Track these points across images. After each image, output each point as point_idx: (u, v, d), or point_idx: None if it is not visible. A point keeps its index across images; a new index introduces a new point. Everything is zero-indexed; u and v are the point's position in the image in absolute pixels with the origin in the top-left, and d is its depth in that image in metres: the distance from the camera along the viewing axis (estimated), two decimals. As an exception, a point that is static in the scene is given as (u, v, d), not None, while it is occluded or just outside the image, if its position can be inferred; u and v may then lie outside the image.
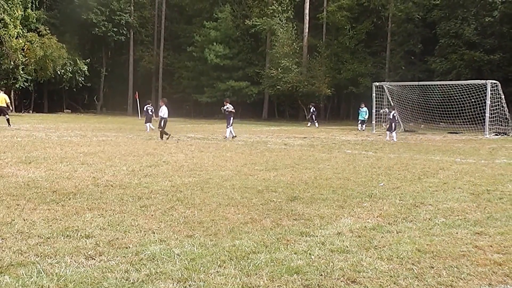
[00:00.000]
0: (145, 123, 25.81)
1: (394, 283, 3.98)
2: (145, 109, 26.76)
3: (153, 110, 26.37)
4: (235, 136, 20.45)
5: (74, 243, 4.78)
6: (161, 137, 18.83)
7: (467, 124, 28.70)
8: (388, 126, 23.02)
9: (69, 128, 25.01)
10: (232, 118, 20.68)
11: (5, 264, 4.15)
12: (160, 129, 19.07)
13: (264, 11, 49.45)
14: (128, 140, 18.46)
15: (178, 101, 59.54)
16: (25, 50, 45.64)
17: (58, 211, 6.09)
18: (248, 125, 35.73)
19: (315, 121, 36.68)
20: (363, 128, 31.01)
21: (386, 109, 33.85)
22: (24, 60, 45.49)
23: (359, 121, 32.00)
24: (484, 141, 22.33)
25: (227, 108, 20.84)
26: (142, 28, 62.17)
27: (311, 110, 37.53)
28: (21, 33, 44.89)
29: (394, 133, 22.48)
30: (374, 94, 31.03)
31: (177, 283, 3.87)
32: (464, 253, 4.79)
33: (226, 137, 20.23)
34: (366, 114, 31.69)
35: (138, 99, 45.91)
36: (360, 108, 32.12)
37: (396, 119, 22.75)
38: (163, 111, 19.31)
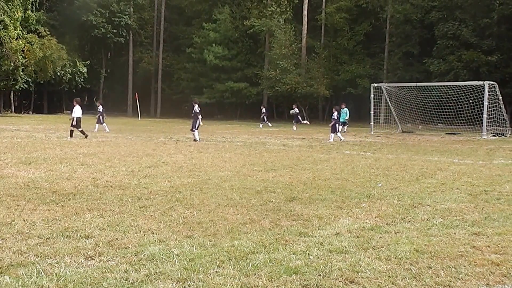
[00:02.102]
0: (97, 123, 25.17)
1: (392, 283, 3.99)
2: (99, 109, 25.99)
3: (103, 109, 26.08)
4: (196, 140, 19.12)
5: (74, 244, 4.79)
6: (71, 135, 19.02)
7: (464, 125, 28.75)
8: (331, 126, 21.92)
9: (68, 129, 24.96)
10: (198, 121, 19.67)
11: (5, 265, 4.15)
12: (72, 128, 19.15)
13: (263, 13, 49.53)
14: (128, 141, 18.48)
15: (177, 102, 59.66)
16: (25, 52, 45.69)
17: (57, 212, 6.10)
18: (247, 126, 35.75)
19: (267, 122, 35.15)
20: (345, 130, 29.28)
21: (297, 109, 33.63)
22: (24, 61, 45.53)
23: (341, 123, 29.56)
24: (481, 142, 22.35)
25: (195, 109, 19.95)
26: (142, 29, 62.33)
27: (263, 111, 35.90)
28: (21, 34, 44.92)
29: (333, 134, 21.53)
30: (372, 95, 31.04)
31: (176, 283, 3.87)
32: (462, 253, 4.80)
33: (196, 140, 19.15)
34: (347, 115, 30.11)
35: (138, 100, 45.96)
36: (341, 109, 29.96)
37: (336, 118, 21.78)
38: (76, 111, 19.24)
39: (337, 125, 21.85)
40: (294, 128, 32.01)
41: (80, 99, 20.96)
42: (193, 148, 15.81)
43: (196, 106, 20.16)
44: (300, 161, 12.79)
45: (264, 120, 35.53)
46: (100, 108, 25.83)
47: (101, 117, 25.36)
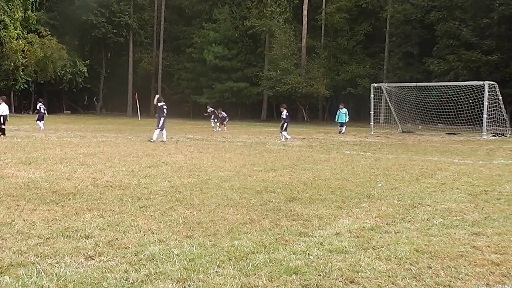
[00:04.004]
0: (37, 120, 24.60)
1: (392, 283, 3.99)
2: (37, 107, 25.33)
3: (45, 108, 25.74)
4: (163, 141, 18.09)
5: (74, 244, 4.79)
6: (3, 134, 18.73)
7: (464, 125, 28.73)
8: (281, 125, 21.07)
9: (68, 129, 25.01)
10: (163, 119, 18.47)
11: (5, 264, 4.15)
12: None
13: (263, 13, 49.46)
14: (128, 141, 18.46)
15: (177, 102, 59.51)
16: (25, 52, 45.52)
17: (57, 212, 6.10)
18: (247, 126, 35.73)
19: (214, 121, 31.97)
20: (343, 131, 28.26)
21: (211, 108, 32.39)
22: (24, 61, 45.36)
23: (339, 123, 28.89)
24: (481, 142, 22.35)
25: (162, 105, 18.80)
26: (142, 29, 62.21)
27: (209, 111, 33.03)
28: (21, 34, 44.73)
29: (285, 133, 20.85)
30: (372, 95, 31.02)
31: (176, 283, 3.87)
32: (462, 253, 4.80)
33: (152, 139, 18.13)
34: (346, 116, 29.00)
35: (138, 100, 45.91)
36: (340, 110, 29.17)
37: (285, 118, 20.82)
38: (2, 109, 19.11)
39: (285, 124, 20.86)
40: (214, 125, 30.65)
41: (5, 97, 20.85)
42: (193, 148, 15.81)
43: (163, 103, 19.01)
44: (300, 161, 12.79)
45: (213, 120, 32.45)
46: (39, 106, 25.25)
47: (39, 115, 24.81)
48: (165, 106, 19.07)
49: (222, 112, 30.12)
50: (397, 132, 30.08)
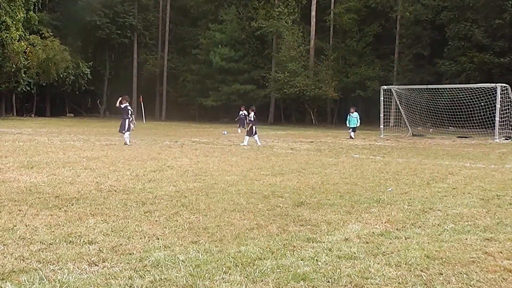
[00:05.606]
0: None
1: (403, 291, 3.92)
2: None
3: None
4: (127, 144, 17.89)
5: (77, 249, 4.73)
6: None
7: (476, 128, 28.55)
8: (248, 129, 20.24)
9: (71, 132, 25.10)
10: (127, 121, 18.41)
11: (7, 271, 4.10)
12: None
13: (270, 13, 49.48)
14: (132, 144, 18.45)
15: (182, 105, 59.62)
16: (27, 53, 45.38)
17: (60, 217, 6.05)
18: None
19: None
20: (353, 136, 26.68)
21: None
22: (26, 63, 45.17)
23: (350, 128, 27.31)
24: (494, 146, 22.21)
25: (126, 106, 18.67)
26: (146, 31, 62.28)
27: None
28: (23, 35, 44.54)
29: (254, 137, 19.83)
30: (382, 98, 30.89)
31: (182, 290, 3.82)
32: (474, 259, 4.72)
33: (127, 143, 17.93)
34: (357, 121, 27.29)
35: (142, 103, 45.85)
36: (350, 114, 27.73)
37: (253, 120, 20.10)
38: None
39: (254, 127, 19.96)
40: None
41: None
42: (199, 152, 15.77)
43: (127, 104, 18.93)
44: (308, 165, 12.71)
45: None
46: None
47: None
48: (129, 107, 19.08)
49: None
50: (407, 136, 29.95)
